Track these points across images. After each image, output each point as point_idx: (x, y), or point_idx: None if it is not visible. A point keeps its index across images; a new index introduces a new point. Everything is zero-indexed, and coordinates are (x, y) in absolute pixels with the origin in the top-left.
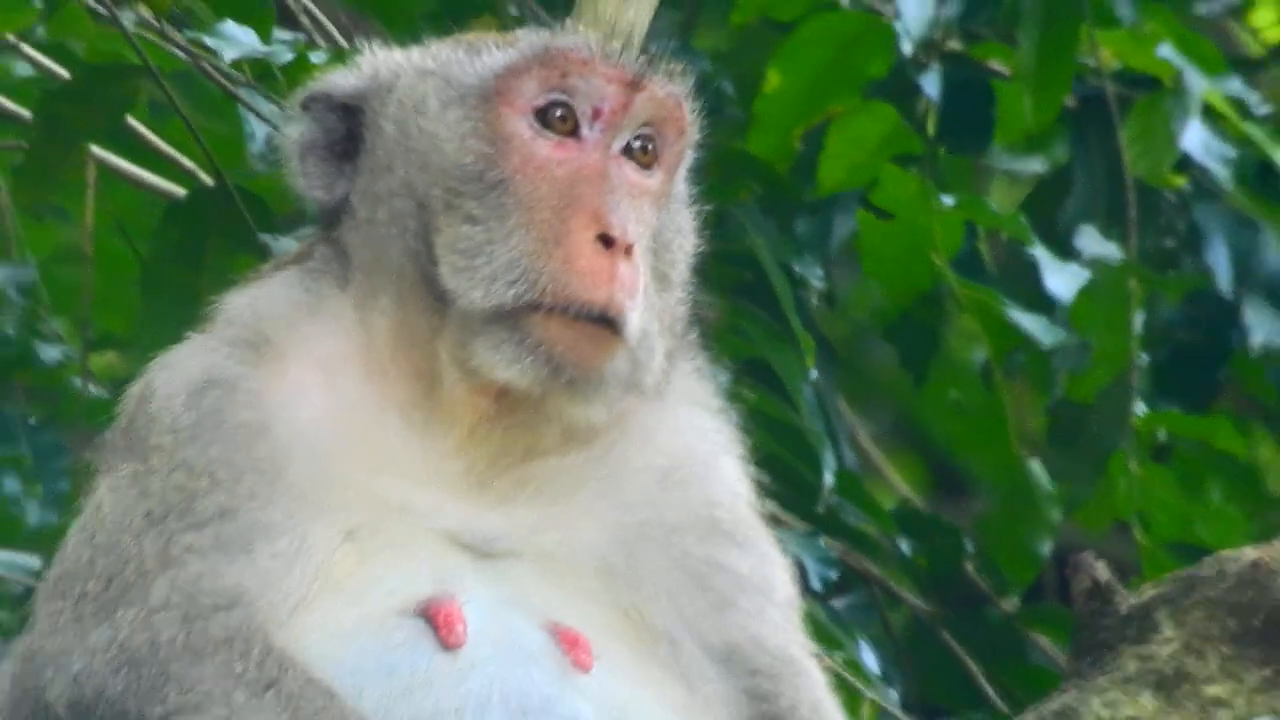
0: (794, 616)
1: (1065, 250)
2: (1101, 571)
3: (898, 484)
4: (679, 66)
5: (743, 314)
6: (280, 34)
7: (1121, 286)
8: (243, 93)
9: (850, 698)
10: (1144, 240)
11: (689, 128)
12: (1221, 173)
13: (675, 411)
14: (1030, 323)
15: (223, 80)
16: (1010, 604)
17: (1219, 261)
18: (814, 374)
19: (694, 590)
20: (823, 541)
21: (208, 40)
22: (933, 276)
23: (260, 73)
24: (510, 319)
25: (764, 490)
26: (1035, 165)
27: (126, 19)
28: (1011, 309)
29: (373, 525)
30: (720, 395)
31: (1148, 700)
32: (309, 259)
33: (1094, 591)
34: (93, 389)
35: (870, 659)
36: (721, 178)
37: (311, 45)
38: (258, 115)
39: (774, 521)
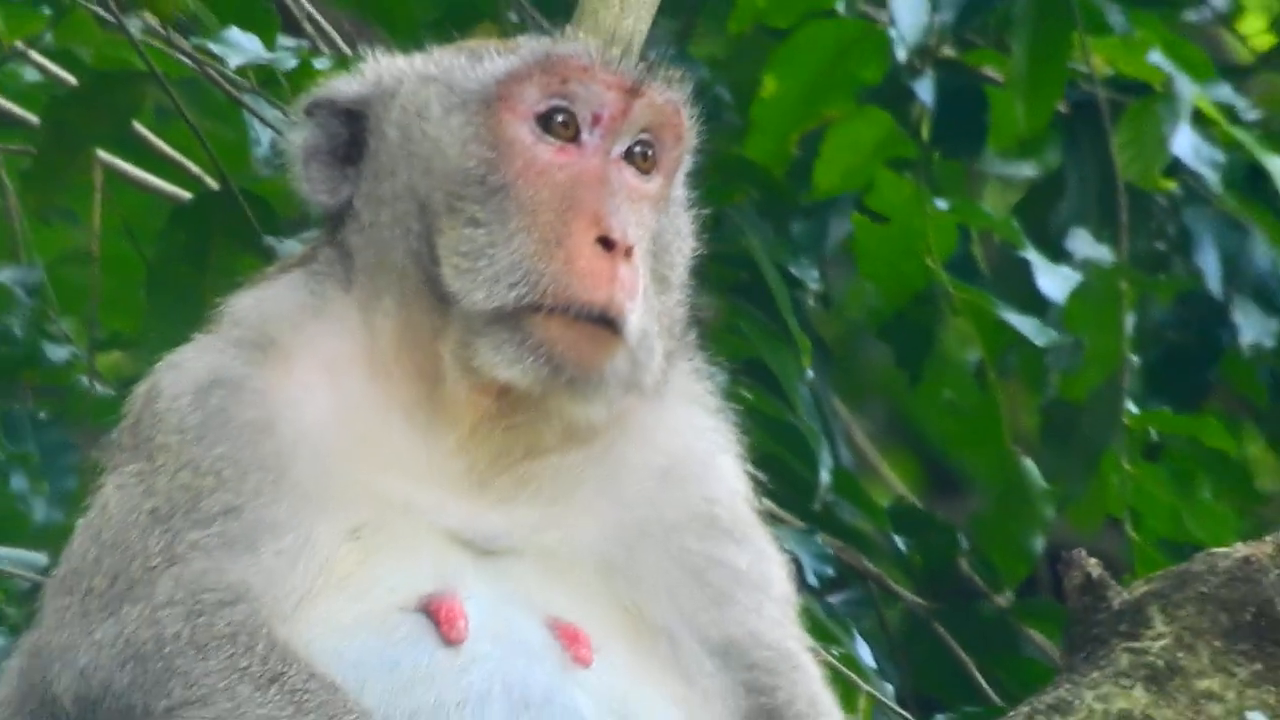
0: (791, 612)
1: (1058, 253)
2: (1094, 567)
3: (893, 482)
4: (677, 73)
5: (740, 314)
6: (284, 41)
7: (1113, 288)
8: (247, 98)
9: (846, 691)
10: (1135, 243)
11: (687, 133)
12: (1211, 177)
13: (674, 410)
14: (1023, 323)
15: (228, 86)
16: (1004, 599)
17: (1209, 263)
18: (810, 374)
19: (693, 586)
20: (819, 538)
21: (213, 47)
22: (927, 278)
23: (265, 79)
24: (512, 320)
25: (761, 488)
26: (1028, 169)
27: (133, 26)
28: (1005, 310)
29: (376, 523)
30: (718, 394)
31: (1140, 693)
32: (313, 261)
33: (1087, 587)
34: (99, 388)
35: (866, 653)
36: (719, 181)
37: (315, 52)
38: (262, 120)
39: (771, 518)
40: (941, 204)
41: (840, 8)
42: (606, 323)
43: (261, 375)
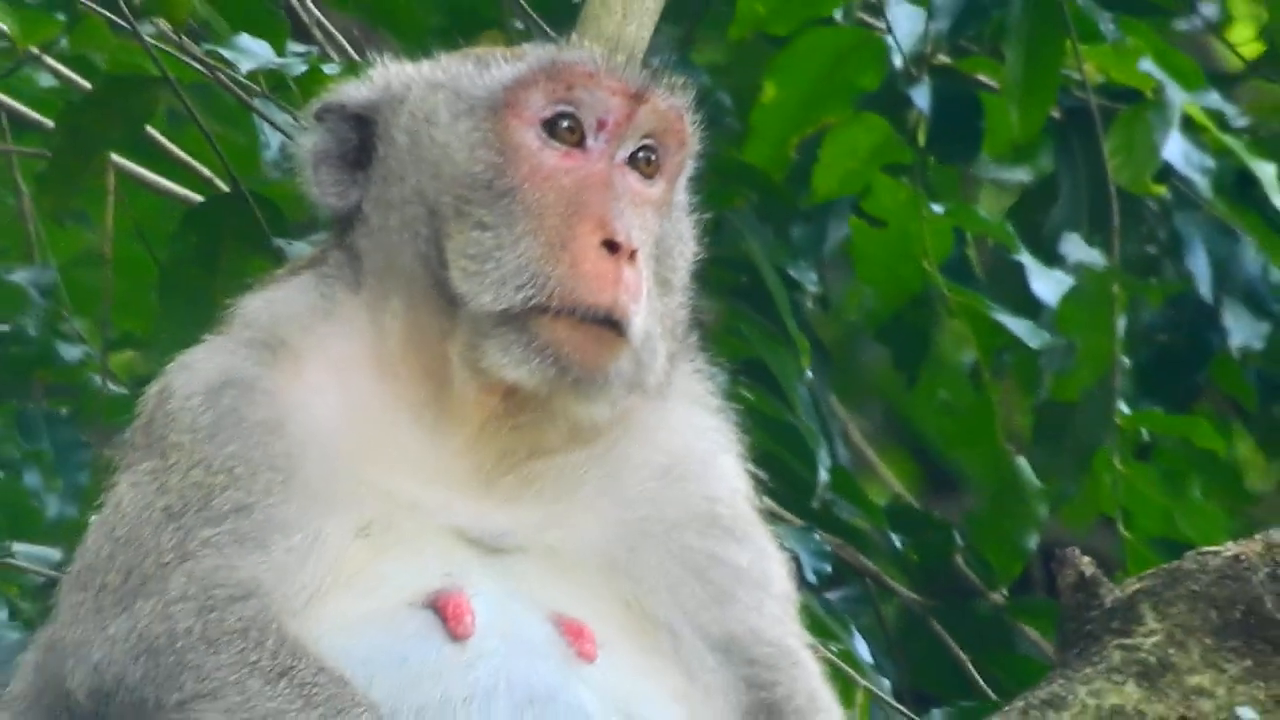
0: (791, 609)
1: (1051, 256)
2: (1087, 565)
3: (890, 480)
4: (680, 80)
5: (740, 316)
6: (294, 47)
7: (1105, 291)
8: (258, 103)
9: (844, 687)
10: (1126, 247)
11: (689, 138)
12: (1201, 182)
13: (676, 410)
14: (1017, 326)
15: (238, 91)
16: (998, 596)
17: (1199, 267)
18: (809, 374)
19: (694, 583)
20: (818, 536)
21: (224, 53)
22: (923, 281)
23: (275, 84)
24: (519, 321)
25: (761, 486)
26: (1021, 175)
27: (146, 32)
28: (999, 312)
29: (384, 521)
30: (719, 395)
31: (1132, 689)
32: (322, 264)
33: (1080, 584)
34: (112, 387)
35: (863, 649)
36: (720, 186)
37: (324, 58)
38: (272, 125)
39: (771, 517)
40: (937, 208)
41: (838, 16)
42: (611, 324)
43: (272, 376)
